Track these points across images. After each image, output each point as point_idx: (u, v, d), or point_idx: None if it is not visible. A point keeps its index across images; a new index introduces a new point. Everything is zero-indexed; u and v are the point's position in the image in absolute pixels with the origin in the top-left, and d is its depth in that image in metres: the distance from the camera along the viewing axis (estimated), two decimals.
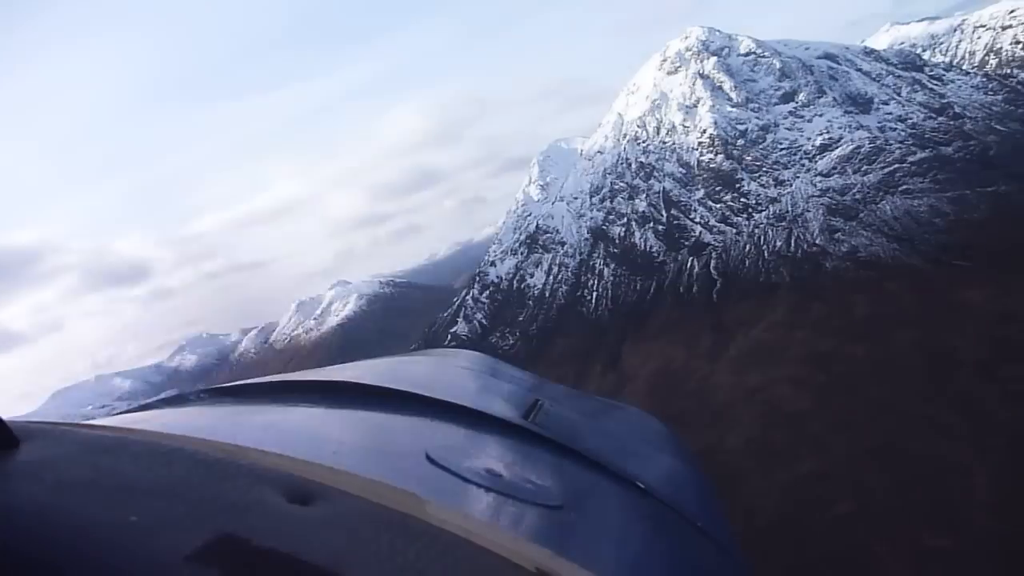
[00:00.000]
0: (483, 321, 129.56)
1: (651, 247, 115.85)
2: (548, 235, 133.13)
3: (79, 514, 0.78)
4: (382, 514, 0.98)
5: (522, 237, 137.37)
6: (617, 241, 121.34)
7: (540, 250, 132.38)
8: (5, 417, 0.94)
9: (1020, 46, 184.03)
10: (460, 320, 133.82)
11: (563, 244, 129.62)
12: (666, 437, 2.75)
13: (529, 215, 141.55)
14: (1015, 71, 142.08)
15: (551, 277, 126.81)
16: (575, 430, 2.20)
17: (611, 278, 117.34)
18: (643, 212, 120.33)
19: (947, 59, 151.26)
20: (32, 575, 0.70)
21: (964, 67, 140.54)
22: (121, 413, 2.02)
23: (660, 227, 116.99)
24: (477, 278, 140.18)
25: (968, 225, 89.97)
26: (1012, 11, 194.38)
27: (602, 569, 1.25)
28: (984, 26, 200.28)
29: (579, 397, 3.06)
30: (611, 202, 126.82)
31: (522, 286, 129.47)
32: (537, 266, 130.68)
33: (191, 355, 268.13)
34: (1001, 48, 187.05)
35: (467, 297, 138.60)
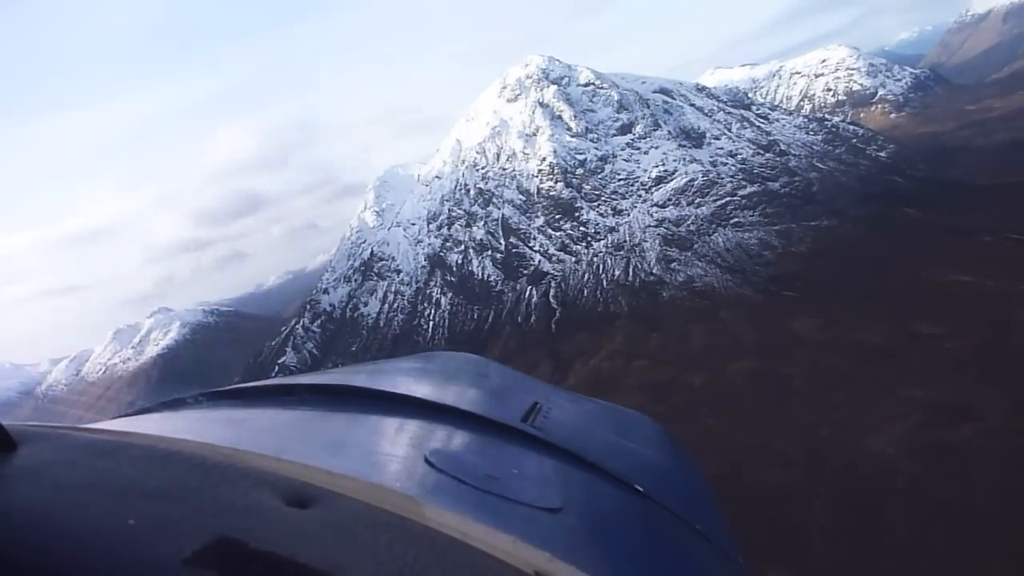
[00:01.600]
0: (314, 351, 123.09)
1: (489, 275, 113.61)
2: (383, 262, 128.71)
3: (77, 517, 0.78)
4: (380, 517, 0.98)
5: (356, 264, 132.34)
6: (455, 269, 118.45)
7: (375, 278, 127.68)
8: (3, 421, 0.94)
9: (831, 93, 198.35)
10: (289, 350, 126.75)
11: (399, 272, 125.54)
12: (664, 440, 2.69)
13: (364, 242, 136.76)
14: (828, 115, 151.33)
15: (386, 305, 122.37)
16: (573, 433, 2.20)
17: (448, 307, 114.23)
18: (481, 240, 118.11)
19: (767, 102, 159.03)
20: None
21: (784, 109, 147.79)
22: (119, 417, 2.02)
23: (499, 255, 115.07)
24: (308, 307, 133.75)
25: (795, 257, 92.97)
26: (823, 60, 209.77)
27: (600, 572, 1.26)
28: (799, 73, 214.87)
29: (577, 400, 2.89)
30: (449, 229, 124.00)
31: (355, 315, 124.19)
32: (372, 294, 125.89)
33: None
34: (815, 94, 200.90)
35: (297, 326, 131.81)
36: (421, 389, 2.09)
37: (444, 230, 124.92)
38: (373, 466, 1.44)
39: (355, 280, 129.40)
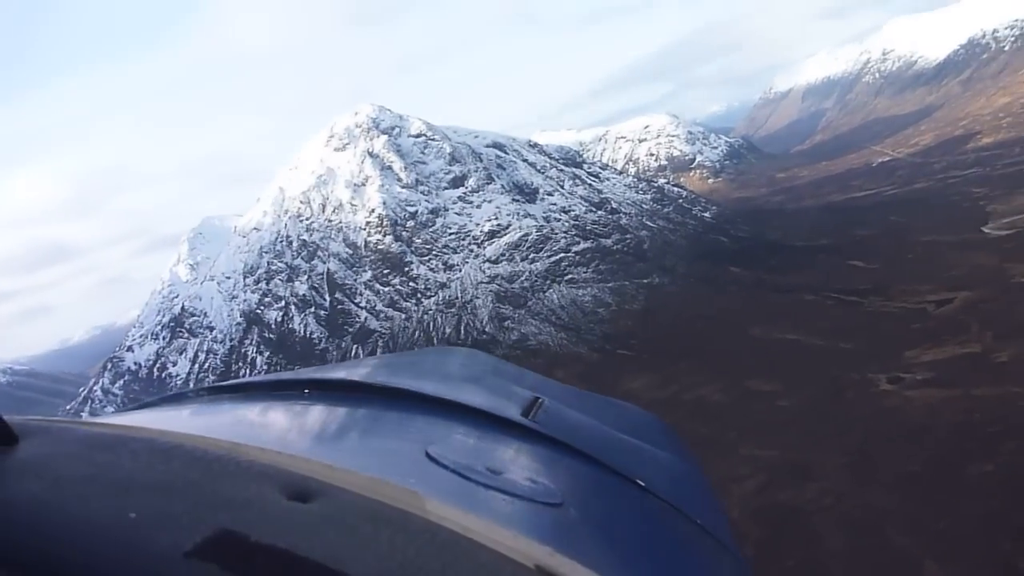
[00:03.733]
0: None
1: (312, 333, 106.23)
2: (195, 318, 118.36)
3: (78, 511, 0.78)
4: (382, 511, 0.98)
5: (165, 320, 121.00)
6: (273, 326, 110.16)
7: (185, 335, 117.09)
8: (4, 415, 0.95)
9: (654, 157, 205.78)
10: (85, 413, 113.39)
11: (212, 329, 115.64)
12: (666, 435, 2.68)
13: (176, 296, 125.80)
14: (652, 178, 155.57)
15: (197, 365, 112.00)
16: (575, 427, 2.17)
17: (265, 366, 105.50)
18: (304, 295, 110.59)
19: (597, 162, 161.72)
20: (32, 572, 0.70)
21: (613, 169, 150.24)
22: (121, 411, 2.04)
23: (323, 312, 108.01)
24: (110, 365, 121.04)
25: (629, 315, 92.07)
26: (646, 126, 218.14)
27: (602, 566, 1.25)
28: (624, 137, 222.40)
29: (579, 395, 2.81)
30: (268, 283, 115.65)
31: (163, 375, 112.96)
32: (181, 352, 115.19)
33: None
34: (639, 158, 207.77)
35: (96, 387, 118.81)
36: (421, 383, 2.08)
37: (263, 284, 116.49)
38: (374, 460, 1.44)
39: (163, 337, 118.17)
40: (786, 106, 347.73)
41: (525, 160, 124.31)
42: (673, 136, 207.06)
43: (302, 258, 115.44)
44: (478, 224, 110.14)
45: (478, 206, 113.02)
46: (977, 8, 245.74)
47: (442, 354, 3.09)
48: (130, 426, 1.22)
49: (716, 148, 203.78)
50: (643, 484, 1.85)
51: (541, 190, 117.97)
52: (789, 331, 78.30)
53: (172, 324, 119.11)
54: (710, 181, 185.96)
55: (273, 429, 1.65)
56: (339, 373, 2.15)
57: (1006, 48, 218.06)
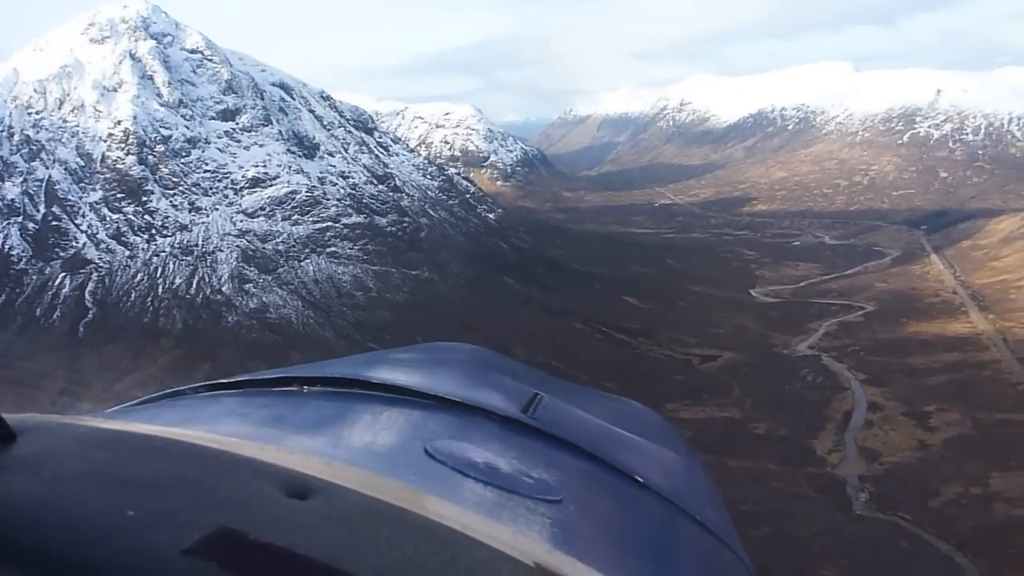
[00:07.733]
0: None
1: (12, 248, 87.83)
2: None
3: (76, 508, 0.78)
4: (380, 508, 0.99)
5: None
6: None
7: None
8: (2, 412, 0.97)
9: (448, 146, 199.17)
10: None
11: None
12: (666, 431, 2.73)
13: None
14: (444, 165, 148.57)
15: None
16: (574, 424, 2.19)
17: None
18: (13, 200, 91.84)
19: (390, 133, 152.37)
20: (30, 569, 0.70)
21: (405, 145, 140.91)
22: (118, 408, 2.07)
23: (32, 224, 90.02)
24: None
25: (388, 305, 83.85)
26: (448, 113, 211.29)
27: (601, 563, 1.26)
28: (422, 118, 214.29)
29: (579, 391, 2.88)
30: None
31: None
32: None
33: None
34: (433, 143, 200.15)
35: None
36: (421, 380, 2.12)
37: None
38: (373, 457, 1.47)
39: None
40: (581, 131, 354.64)
41: (312, 111, 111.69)
42: (473, 130, 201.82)
43: (22, 156, 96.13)
44: (241, 167, 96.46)
45: (246, 147, 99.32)
46: (771, 84, 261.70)
47: (441, 350, 3.05)
48: (129, 423, 1.22)
49: (512, 152, 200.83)
50: (643, 481, 1.86)
51: (322, 147, 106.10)
52: (552, 358, 73.18)
53: None
54: (498, 183, 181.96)
55: (271, 426, 1.65)
56: (337, 369, 2.17)
57: (790, 127, 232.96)
